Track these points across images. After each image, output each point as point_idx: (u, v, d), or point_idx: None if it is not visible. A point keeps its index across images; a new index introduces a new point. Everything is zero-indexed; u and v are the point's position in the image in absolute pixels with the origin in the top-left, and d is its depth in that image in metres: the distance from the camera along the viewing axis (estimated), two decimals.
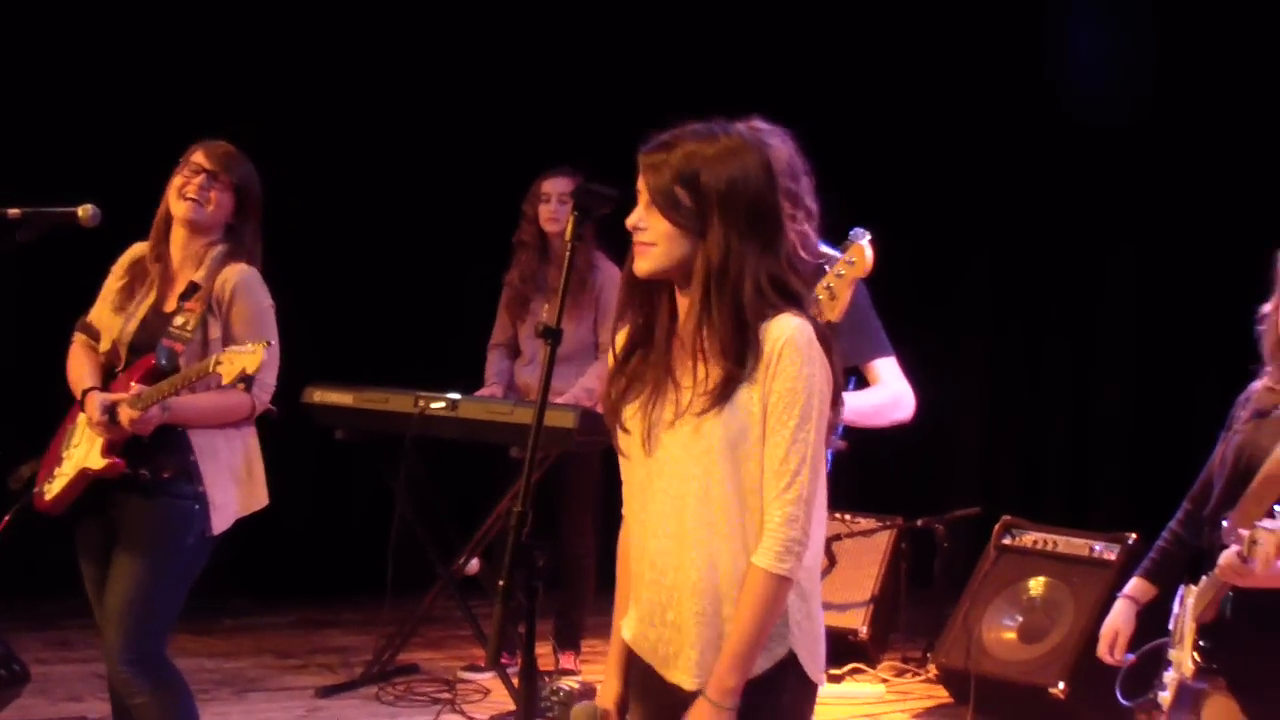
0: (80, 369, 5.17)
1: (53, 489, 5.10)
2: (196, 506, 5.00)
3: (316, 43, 9.22)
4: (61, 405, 5.24)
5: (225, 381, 4.83)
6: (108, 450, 4.97)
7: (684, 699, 3.31)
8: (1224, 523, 4.11)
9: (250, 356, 4.80)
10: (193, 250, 5.11)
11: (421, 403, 7.02)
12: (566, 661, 7.50)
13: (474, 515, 7.48)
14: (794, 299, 3.22)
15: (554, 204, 7.36)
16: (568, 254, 3.62)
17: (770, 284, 3.19)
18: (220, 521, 5.06)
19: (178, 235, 5.12)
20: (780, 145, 3.36)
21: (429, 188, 9.53)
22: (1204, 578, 4.19)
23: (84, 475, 5.02)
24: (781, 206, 3.25)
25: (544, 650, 7.55)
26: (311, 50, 9.20)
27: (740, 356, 3.19)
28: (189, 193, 5.04)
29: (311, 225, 9.10)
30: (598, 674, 7.14)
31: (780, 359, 3.16)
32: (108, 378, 5.11)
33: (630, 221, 3.30)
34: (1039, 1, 9.84)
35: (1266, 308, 4.33)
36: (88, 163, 8.21)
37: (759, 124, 3.37)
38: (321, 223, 9.19)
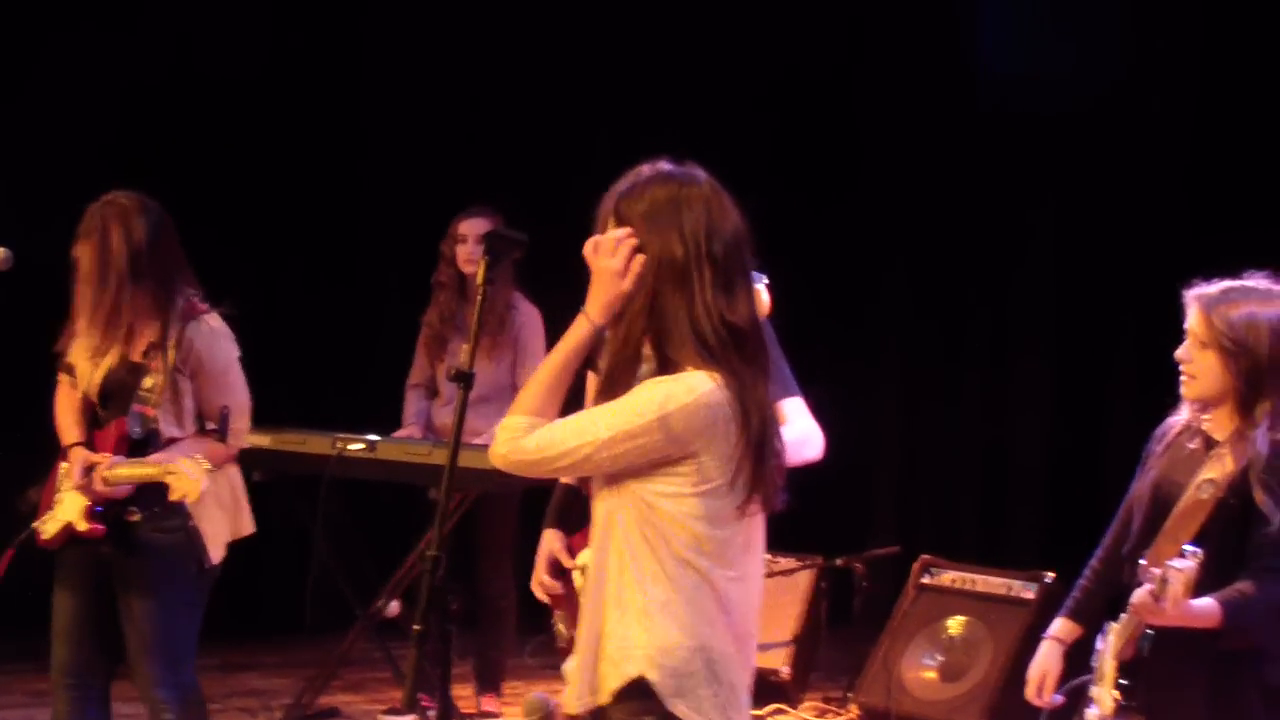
0: (65, 418, 5.21)
1: (49, 530, 5.13)
2: (189, 539, 5.08)
3: (225, 84, 9.17)
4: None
5: (171, 497, 4.86)
6: (89, 516, 5.01)
7: None
8: (1141, 560, 4.15)
9: (193, 484, 4.82)
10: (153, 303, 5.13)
11: (340, 444, 6.99)
12: (488, 704, 7.46)
13: (393, 556, 7.44)
14: (708, 358, 3.20)
15: (470, 245, 7.34)
16: (479, 298, 3.64)
17: (678, 343, 3.21)
18: (215, 551, 5.17)
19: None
20: (718, 204, 3.35)
21: (344, 226, 9.52)
22: (1123, 615, 4.22)
23: (68, 530, 5.07)
24: (703, 274, 3.21)
25: (466, 692, 7.53)
26: (221, 90, 9.15)
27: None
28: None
29: (225, 263, 9.03)
30: (518, 716, 7.15)
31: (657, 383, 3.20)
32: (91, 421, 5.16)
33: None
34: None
35: (1181, 351, 4.36)
36: None
37: (703, 176, 3.37)
38: (235, 261, 9.13)
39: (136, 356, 5.08)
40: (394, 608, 7.40)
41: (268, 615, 8.96)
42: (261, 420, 7.27)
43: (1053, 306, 9.71)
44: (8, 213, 5.26)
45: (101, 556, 5.08)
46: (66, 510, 5.08)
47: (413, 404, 7.68)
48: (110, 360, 5.09)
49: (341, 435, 7.03)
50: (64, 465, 5.18)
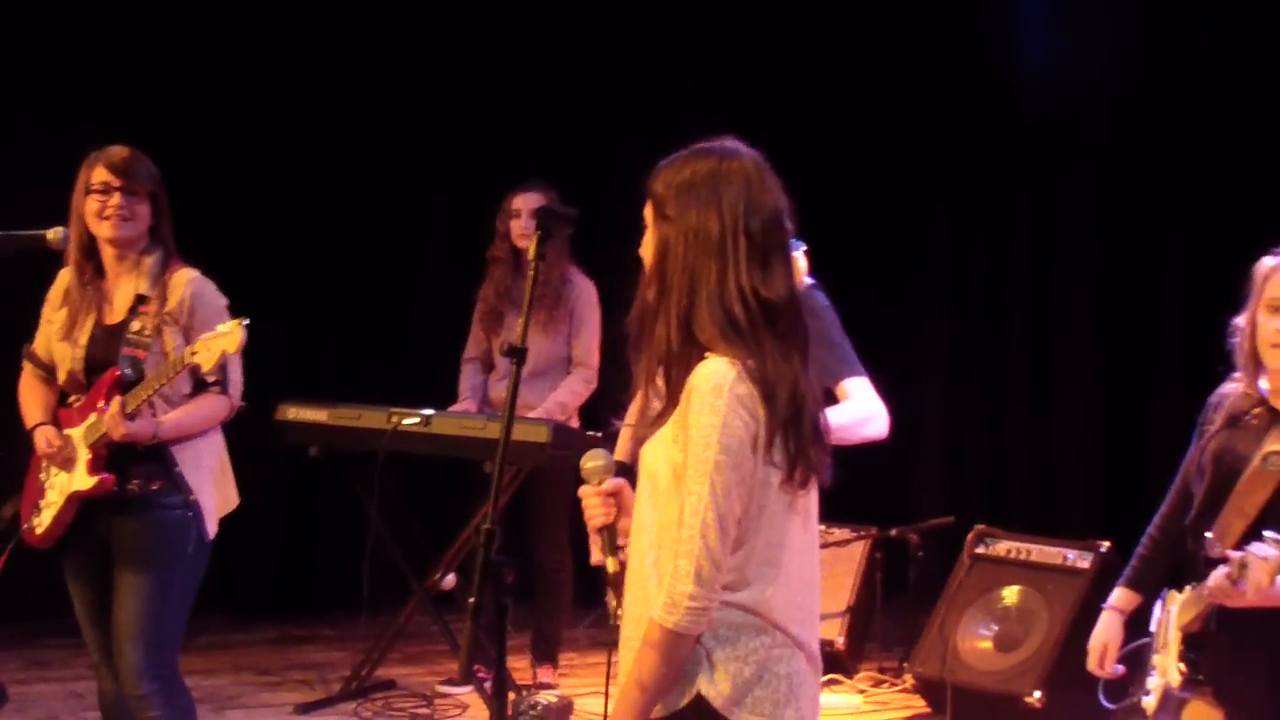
0: (30, 401, 5.19)
1: (42, 522, 5.09)
2: (189, 514, 5.03)
3: (268, 59, 9.19)
4: (20, 437, 5.23)
5: (205, 369, 4.82)
6: (93, 468, 4.97)
7: None
8: (1207, 535, 4.13)
9: (228, 337, 4.79)
10: (126, 264, 5.10)
11: (394, 418, 7.03)
12: (544, 675, 7.50)
13: (448, 530, 7.49)
14: (734, 339, 3.15)
15: (525, 219, 7.37)
16: (531, 273, 3.65)
17: (705, 320, 3.17)
18: (212, 525, 5.09)
19: (107, 253, 5.10)
20: (758, 180, 3.34)
21: (395, 202, 9.54)
22: (1189, 588, 4.20)
23: (74, 499, 5.02)
24: (739, 248, 3.21)
25: (522, 664, 7.57)
26: (264, 66, 9.17)
27: (668, 385, 3.20)
28: (109, 214, 5.01)
29: (281, 242, 9.11)
30: (575, 687, 7.20)
31: (689, 405, 3.12)
32: (65, 403, 5.12)
33: (641, 252, 3.32)
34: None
35: (1241, 319, 4.34)
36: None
37: (746, 151, 3.35)
38: (291, 240, 9.20)
39: (112, 320, 5.07)
40: (450, 581, 7.45)
41: (325, 590, 9.04)
42: (316, 397, 7.36)
43: (1097, 274, 9.67)
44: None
45: (105, 544, 5.04)
46: (62, 485, 5.05)
47: (468, 378, 7.72)
48: (85, 333, 5.06)
49: (396, 410, 7.06)
50: (43, 460, 5.14)
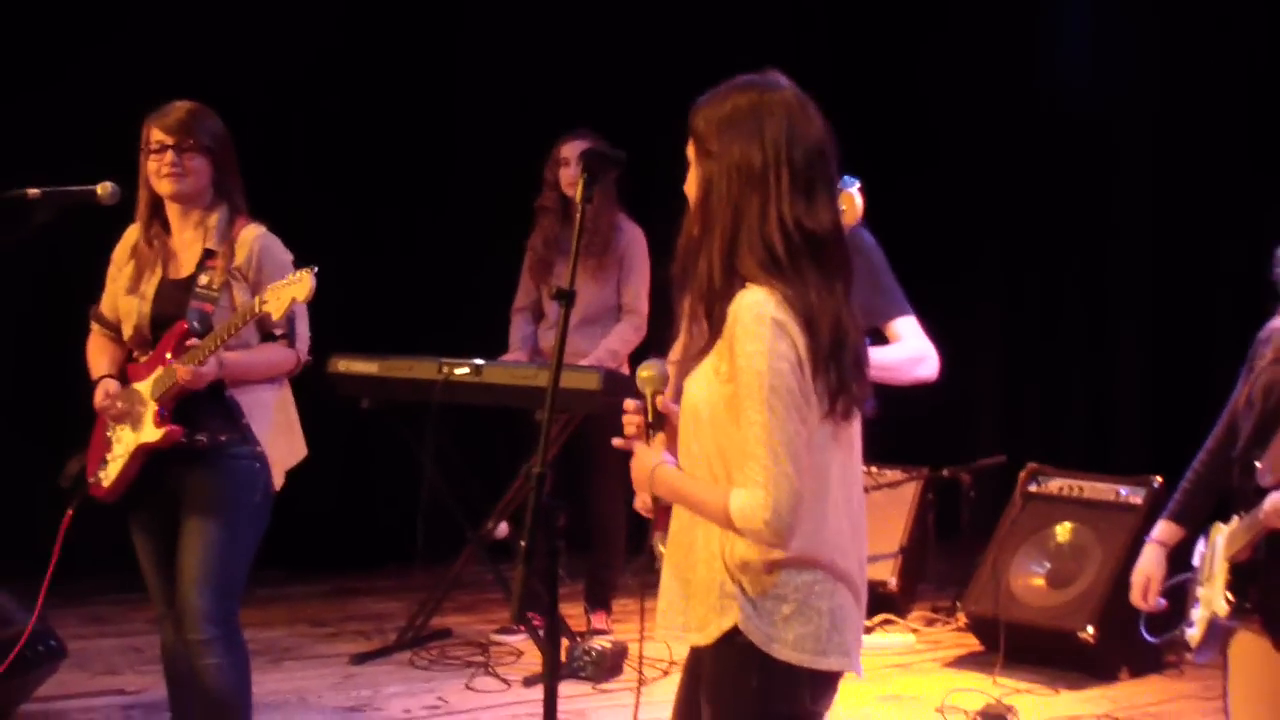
0: (97, 358, 5.21)
1: (109, 475, 5.11)
2: (257, 465, 5.07)
3: (321, 12, 9.19)
4: (83, 396, 5.27)
5: (276, 317, 4.84)
6: (160, 420, 5.01)
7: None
8: (1257, 465, 4.11)
9: (298, 285, 4.81)
10: (191, 220, 5.12)
11: (446, 369, 7.05)
12: (598, 621, 7.55)
13: (501, 480, 7.52)
14: (774, 272, 3.15)
15: (573, 168, 7.36)
16: (578, 216, 3.65)
17: (746, 253, 3.17)
18: (279, 477, 5.14)
19: (172, 211, 5.12)
20: (800, 110, 3.33)
21: (444, 153, 9.54)
22: (1236, 518, 4.18)
23: (141, 451, 5.05)
24: (781, 179, 3.20)
25: (576, 610, 7.60)
26: (317, 22, 9.17)
27: (710, 320, 3.21)
28: (164, 172, 5.03)
29: (328, 195, 9.12)
30: (629, 633, 7.22)
31: (734, 336, 3.13)
32: (131, 359, 5.15)
33: (687, 189, 3.32)
34: None
35: None
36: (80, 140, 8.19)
37: (787, 83, 3.34)
38: (338, 193, 9.21)
39: (179, 275, 5.10)
40: (503, 529, 7.48)
41: (380, 541, 9.08)
42: (367, 349, 7.39)
43: (1150, 211, 9.64)
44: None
45: (172, 496, 5.08)
46: (129, 439, 5.07)
47: (518, 328, 7.73)
48: (152, 287, 5.09)
49: (448, 360, 7.08)
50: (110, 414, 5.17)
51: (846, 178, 4.27)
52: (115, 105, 6.48)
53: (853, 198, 4.31)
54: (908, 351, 4.73)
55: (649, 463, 3.30)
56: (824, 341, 3.13)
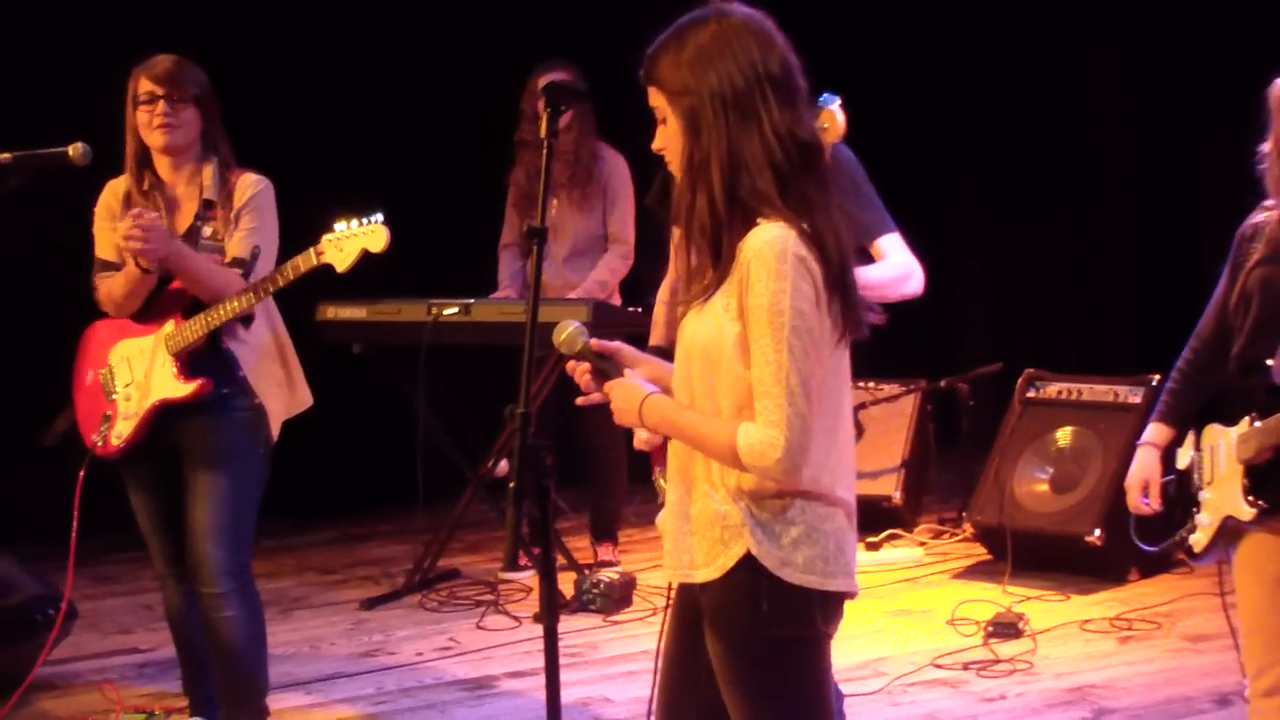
0: (116, 283, 5.09)
1: (121, 433, 5.08)
2: (256, 417, 5.07)
3: None
4: (60, 358, 5.23)
5: (341, 269, 4.82)
6: (185, 375, 4.98)
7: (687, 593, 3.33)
8: (1269, 363, 4.07)
9: (371, 236, 4.79)
10: (184, 174, 5.09)
11: (435, 310, 7.02)
12: (605, 553, 7.55)
13: (497, 418, 7.46)
14: (782, 193, 3.11)
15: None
16: (545, 152, 3.60)
17: (753, 178, 3.12)
18: (275, 428, 5.13)
19: (163, 164, 5.09)
20: (760, 27, 3.30)
21: (426, 91, 9.46)
22: (1248, 420, 4.14)
23: (159, 408, 5.02)
24: (767, 96, 3.16)
25: (583, 544, 7.61)
26: None
27: (714, 258, 3.16)
28: (157, 123, 4.99)
29: (309, 139, 9.06)
30: (636, 564, 7.24)
31: (749, 273, 3.08)
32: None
33: (654, 147, 3.27)
34: None
35: (1266, 146, 4.26)
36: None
37: (738, 7, 3.30)
38: (319, 137, 9.14)
39: (181, 228, 5.07)
40: (503, 468, 7.48)
41: (382, 486, 9.08)
42: (355, 295, 7.35)
43: (1131, 107, 9.59)
44: None
45: (171, 450, 5.07)
46: (141, 396, 5.04)
47: (506, 265, 7.71)
48: None
49: (436, 301, 7.05)
50: (100, 371, 5.15)
51: (826, 95, 4.23)
52: (85, 66, 6.48)
53: (834, 114, 4.26)
54: (893, 269, 4.69)
55: (636, 395, 3.25)
56: (835, 266, 3.11)
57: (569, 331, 3.34)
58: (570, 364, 3.38)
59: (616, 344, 3.38)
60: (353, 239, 4.80)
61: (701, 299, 3.18)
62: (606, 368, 3.34)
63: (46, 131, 4.92)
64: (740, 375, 3.12)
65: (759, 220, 3.11)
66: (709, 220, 3.16)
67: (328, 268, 4.85)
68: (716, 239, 3.16)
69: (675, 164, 3.23)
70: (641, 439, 3.98)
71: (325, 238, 4.84)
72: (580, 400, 3.41)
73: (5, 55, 8.35)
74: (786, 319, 3.05)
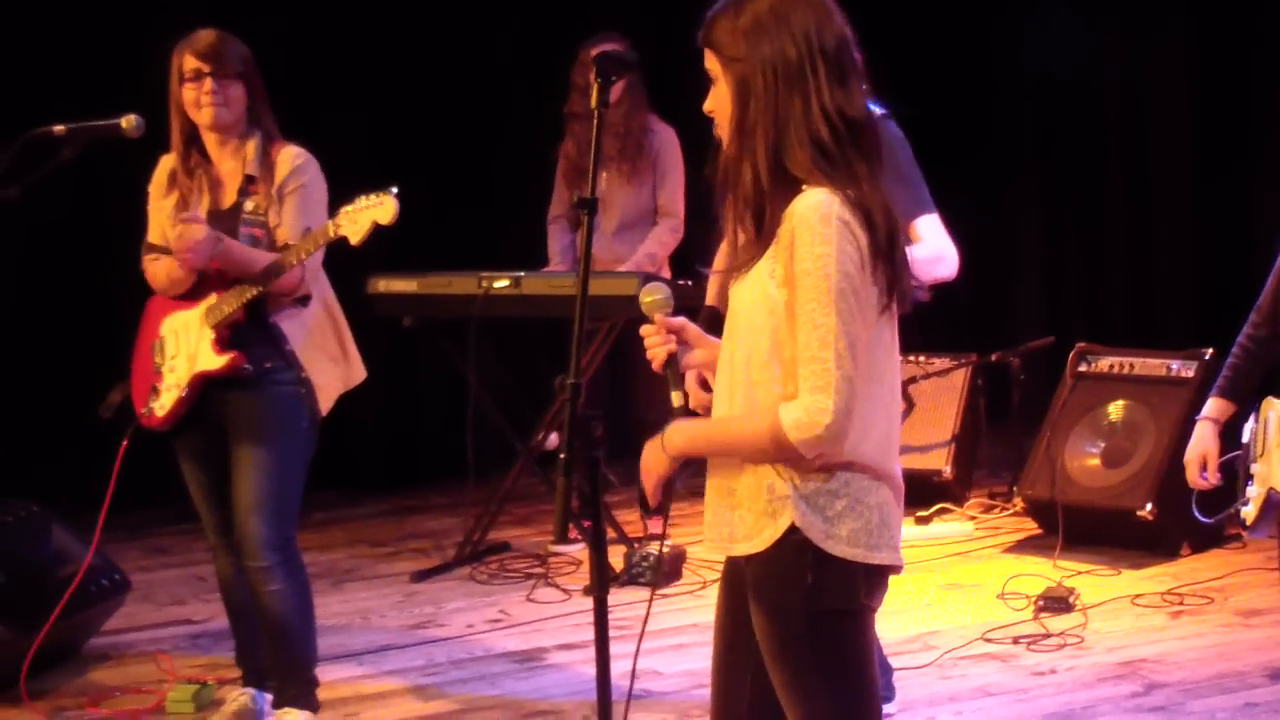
0: (161, 269, 5.15)
1: (164, 404, 5.12)
2: (303, 390, 5.08)
3: None
4: (119, 331, 5.26)
5: (355, 242, 4.82)
6: (221, 347, 5.01)
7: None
8: None
9: (380, 208, 4.79)
10: (229, 149, 5.11)
11: (485, 283, 7.03)
12: (654, 526, 7.54)
13: (547, 390, 7.51)
14: (826, 167, 3.10)
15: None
16: (595, 123, 3.60)
17: (796, 150, 3.12)
18: (325, 402, 5.15)
19: (210, 140, 5.11)
20: (818, 1, 3.29)
21: (476, 65, 9.45)
22: None
23: (199, 379, 5.06)
24: (818, 70, 3.17)
25: (633, 517, 7.62)
26: None
27: (758, 225, 3.15)
28: (205, 101, 5.00)
29: (358, 114, 9.07)
30: (686, 537, 7.25)
31: (795, 238, 3.06)
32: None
33: (705, 108, 3.27)
34: None
35: None
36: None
37: None
38: (368, 112, 9.15)
39: (225, 204, 5.09)
40: (553, 440, 7.50)
41: (433, 459, 9.10)
42: (406, 268, 7.37)
43: (1186, 84, 9.53)
44: None
45: (218, 423, 5.10)
46: (185, 368, 5.07)
47: (556, 238, 7.71)
48: (201, 216, 5.02)
49: (486, 274, 7.05)
50: (154, 341, 5.17)
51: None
52: (134, 41, 6.49)
53: None
54: (927, 251, 4.68)
55: (652, 448, 3.26)
56: (881, 236, 3.10)
57: (659, 297, 3.35)
58: (645, 329, 3.37)
59: (682, 320, 3.37)
60: (364, 211, 4.81)
61: (746, 267, 3.19)
62: (676, 382, 3.35)
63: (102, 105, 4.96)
64: (784, 341, 3.11)
65: (803, 188, 3.11)
66: (752, 188, 3.15)
67: (343, 240, 4.85)
68: (760, 206, 3.16)
69: (724, 128, 3.23)
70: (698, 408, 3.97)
71: (342, 209, 4.86)
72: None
73: (62, 31, 8.40)
74: (833, 281, 3.04)
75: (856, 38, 3.23)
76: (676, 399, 3.32)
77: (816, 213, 3.06)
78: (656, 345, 3.38)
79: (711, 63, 3.23)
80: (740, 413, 3.18)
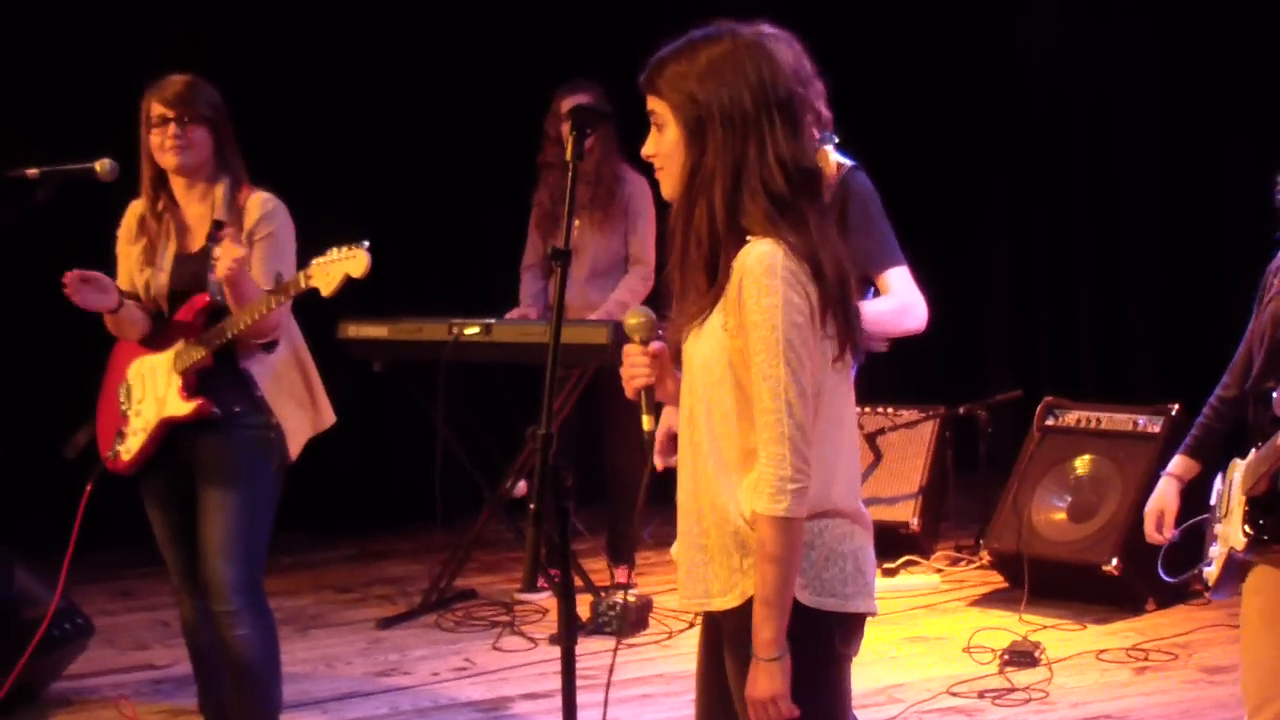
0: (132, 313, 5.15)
1: (130, 448, 5.12)
2: (272, 435, 5.07)
3: None
4: (86, 372, 5.24)
5: (326, 293, 4.82)
6: (187, 394, 5.01)
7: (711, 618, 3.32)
8: (1274, 395, 4.08)
9: (352, 261, 4.77)
10: (196, 194, 5.11)
11: (455, 329, 7.04)
12: (621, 575, 7.54)
13: (517, 437, 7.51)
14: (778, 217, 3.11)
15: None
16: (570, 175, 3.61)
17: (748, 201, 3.12)
18: (294, 447, 5.13)
19: (177, 185, 5.11)
20: (784, 49, 3.30)
21: (449, 111, 9.49)
22: (1254, 451, 4.16)
23: (165, 424, 5.06)
24: (774, 120, 3.16)
25: (599, 565, 7.61)
26: None
27: (710, 276, 3.16)
28: (168, 145, 5.01)
29: (331, 160, 9.09)
30: (652, 586, 7.23)
31: (742, 290, 3.09)
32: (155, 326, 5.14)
33: (644, 152, 3.28)
34: None
35: None
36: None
37: (764, 28, 3.30)
38: (341, 157, 9.17)
39: (193, 249, 5.09)
40: (521, 488, 7.49)
41: (400, 504, 9.09)
42: (376, 313, 7.38)
43: (1156, 139, 9.58)
44: None
45: (185, 467, 5.09)
46: (152, 411, 5.07)
47: (528, 285, 7.72)
48: (168, 261, 5.07)
49: (457, 320, 7.07)
50: (120, 385, 5.17)
51: (824, 134, 4.26)
52: (114, 84, 6.50)
53: (827, 154, 4.30)
54: (894, 303, 4.69)
55: (766, 671, 3.14)
56: (831, 286, 3.11)
57: (642, 320, 3.34)
58: (628, 350, 3.36)
59: (661, 345, 3.35)
60: (336, 264, 4.80)
61: (699, 320, 3.19)
62: (652, 409, 3.34)
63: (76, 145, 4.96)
64: (742, 393, 3.12)
65: (748, 239, 3.12)
66: (707, 236, 3.16)
67: (314, 291, 4.85)
68: (714, 255, 3.16)
69: (669, 172, 3.23)
70: (662, 461, 3.97)
71: (314, 261, 4.85)
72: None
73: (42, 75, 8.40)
74: (780, 333, 3.06)
75: (822, 86, 3.24)
76: (647, 423, 3.33)
77: (761, 265, 3.08)
78: (636, 369, 3.36)
79: (657, 106, 3.22)
80: (715, 481, 3.18)
